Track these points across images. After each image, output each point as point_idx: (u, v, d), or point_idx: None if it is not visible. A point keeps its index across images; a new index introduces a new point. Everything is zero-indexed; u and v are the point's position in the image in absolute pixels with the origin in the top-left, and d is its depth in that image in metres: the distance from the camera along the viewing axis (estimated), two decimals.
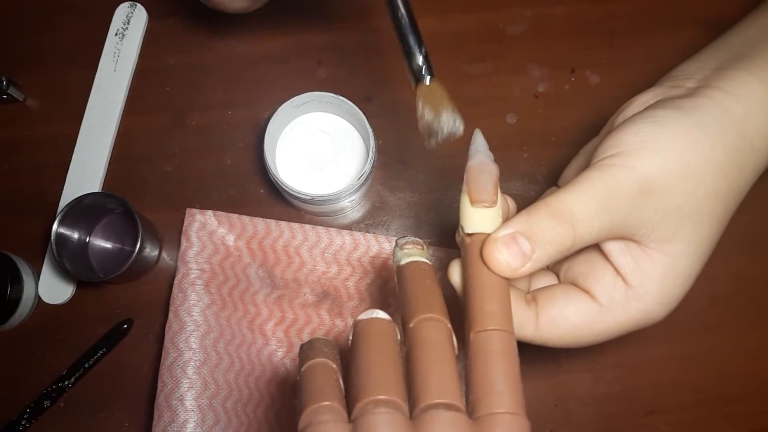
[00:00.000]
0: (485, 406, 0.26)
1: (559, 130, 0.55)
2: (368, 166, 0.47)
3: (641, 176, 0.31)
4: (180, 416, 0.46)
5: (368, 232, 0.52)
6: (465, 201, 0.31)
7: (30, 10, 0.57)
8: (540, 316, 0.33)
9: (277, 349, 0.51)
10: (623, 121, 0.34)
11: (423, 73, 0.35)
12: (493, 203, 0.31)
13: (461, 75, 0.56)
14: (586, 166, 0.33)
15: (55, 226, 0.48)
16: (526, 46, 0.56)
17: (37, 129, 0.55)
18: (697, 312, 0.51)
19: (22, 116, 0.55)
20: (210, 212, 0.51)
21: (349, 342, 0.28)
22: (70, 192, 0.53)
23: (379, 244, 0.51)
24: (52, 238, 0.47)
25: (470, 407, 0.26)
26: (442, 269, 0.34)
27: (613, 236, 0.32)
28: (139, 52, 0.56)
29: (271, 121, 0.47)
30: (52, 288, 0.52)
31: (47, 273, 0.52)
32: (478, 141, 0.33)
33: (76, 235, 0.51)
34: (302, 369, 0.28)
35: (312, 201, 0.47)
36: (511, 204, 0.34)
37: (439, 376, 0.26)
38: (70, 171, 0.54)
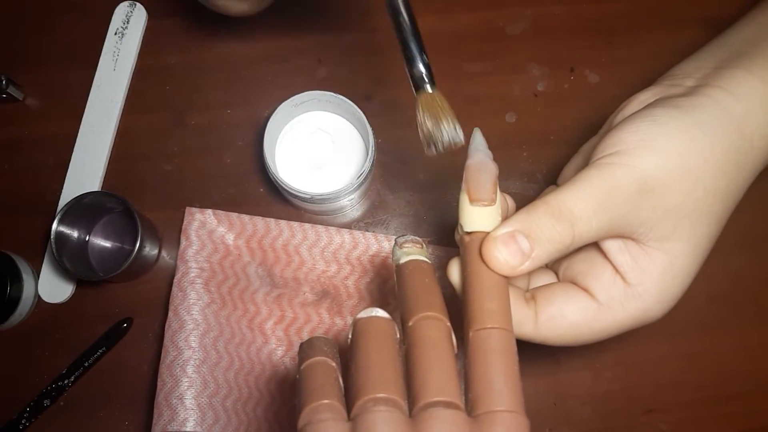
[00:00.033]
0: (484, 404, 0.26)
1: (558, 128, 0.55)
2: (368, 165, 0.47)
3: (640, 175, 0.31)
4: (180, 415, 0.46)
5: (368, 230, 0.53)
6: (464, 199, 0.31)
7: (30, 10, 0.57)
8: (539, 315, 0.33)
9: (277, 347, 0.51)
10: (622, 120, 0.34)
11: (424, 81, 0.34)
12: (493, 202, 0.31)
13: (461, 74, 0.56)
14: (586, 164, 0.33)
15: (54, 225, 0.48)
16: (526, 45, 0.57)
17: (37, 128, 0.55)
18: (696, 311, 0.51)
19: (21, 116, 0.56)
20: (209, 211, 0.51)
21: (349, 340, 0.28)
22: (70, 191, 0.53)
23: (378, 243, 0.51)
24: (52, 237, 0.47)
25: (469, 405, 0.26)
26: (441, 268, 0.34)
27: (612, 235, 0.32)
28: (138, 51, 0.56)
29: (270, 120, 0.47)
30: (52, 287, 0.52)
31: (47, 272, 0.52)
32: (478, 140, 0.33)
33: (75, 234, 0.51)
34: (302, 367, 0.28)
35: (311, 200, 0.47)
36: (511, 203, 0.34)
37: (438, 375, 0.26)
38: (69, 170, 0.54)
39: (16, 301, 0.50)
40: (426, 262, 0.31)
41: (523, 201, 0.32)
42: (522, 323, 0.32)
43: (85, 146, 0.54)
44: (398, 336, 0.28)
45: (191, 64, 0.56)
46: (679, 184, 0.31)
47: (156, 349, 0.51)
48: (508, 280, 0.30)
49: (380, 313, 0.29)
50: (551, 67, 0.56)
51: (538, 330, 0.33)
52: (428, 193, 0.54)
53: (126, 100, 0.55)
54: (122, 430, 0.50)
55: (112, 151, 0.55)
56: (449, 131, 0.33)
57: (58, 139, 0.54)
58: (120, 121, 0.55)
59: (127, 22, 0.56)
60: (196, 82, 0.56)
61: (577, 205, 0.30)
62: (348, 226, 0.53)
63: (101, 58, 0.56)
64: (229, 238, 0.51)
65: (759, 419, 0.51)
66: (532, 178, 0.54)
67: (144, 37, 0.57)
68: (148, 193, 0.54)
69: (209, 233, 0.51)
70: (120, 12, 0.56)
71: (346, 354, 0.28)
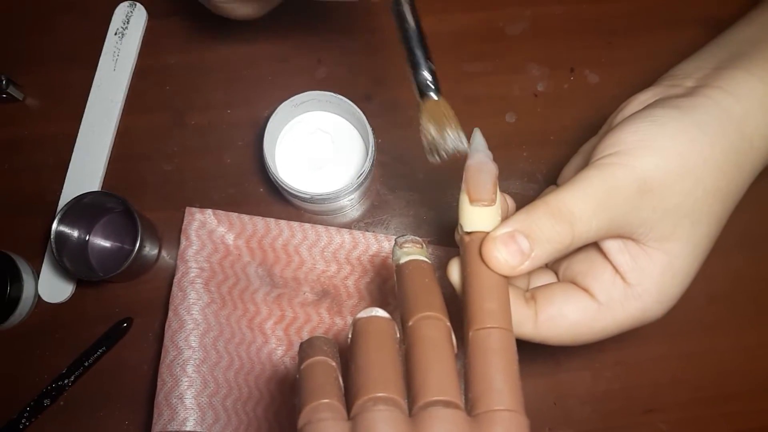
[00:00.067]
0: (484, 404, 0.26)
1: (558, 129, 0.55)
2: (368, 165, 0.47)
3: (640, 175, 0.31)
4: (180, 414, 0.46)
5: (367, 230, 0.53)
6: (464, 200, 0.31)
7: (30, 10, 0.57)
8: (539, 315, 0.33)
9: (277, 347, 0.51)
10: (622, 120, 0.34)
11: (429, 88, 0.34)
12: (492, 202, 0.31)
13: (461, 74, 0.56)
14: (585, 165, 0.33)
15: (54, 225, 0.48)
16: (526, 45, 0.57)
17: (37, 128, 0.55)
18: (696, 310, 0.51)
19: (21, 116, 0.56)
20: (209, 211, 0.51)
21: (349, 340, 0.28)
22: (70, 191, 0.53)
23: (378, 243, 0.51)
24: (52, 237, 0.47)
25: (469, 405, 0.26)
26: (441, 268, 0.34)
27: (611, 235, 0.32)
28: (138, 51, 0.56)
29: (270, 120, 0.47)
30: (52, 287, 0.52)
31: (47, 272, 0.52)
32: (478, 140, 0.33)
33: (75, 234, 0.51)
34: (302, 367, 0.28)
35: (311, 200, 0.47)
36: (510, 203, 0.34)
37: (438, 374, 0.26)
38: (69, 170, 0.54)
39: (16, 300, 0.50)
40: (426, 262, 0.31)
41: (522, 201, 0.32)
42: (522, 323, 0.32)
43: (85, 146, 0.54)
44: (398, 336, 0.28)
45: (191, 64, 0.56)
46: (679, 184, 0.31)
47: (156, 348, 0.51)
48: (507, 280, 0.30)
49: (380, 312, 0.29)
50: (551, 67, 0.56)
51: (537, 330, 0.33)
52: (428, 193, 0.54)
53: (126, 100, 0.55)
54: (122, 430, 0.50)
55: (112, 151, 0.55)
56: (453, 139, 0.33)
57: (58, 139, 0.54)
58: (120, 121, 0.55)
59: (127, 22, 0.56)
60: (196, 82, 0.56)
61: (577, 205, 0.30)
62: (348, 226, 0.53)
63: (101, 58, 0.56)
64: (229, 238, 0.51)
65: (759, 419, 0.51)
66: (532, 178, 0.54)
67: (144, 37, 0.57)
68: (148, 193, 0.54)
69: (209, 233, 0.51)
70: (120, 12, 0.56)
71: (346, 354, 0.28)
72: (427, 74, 0.34)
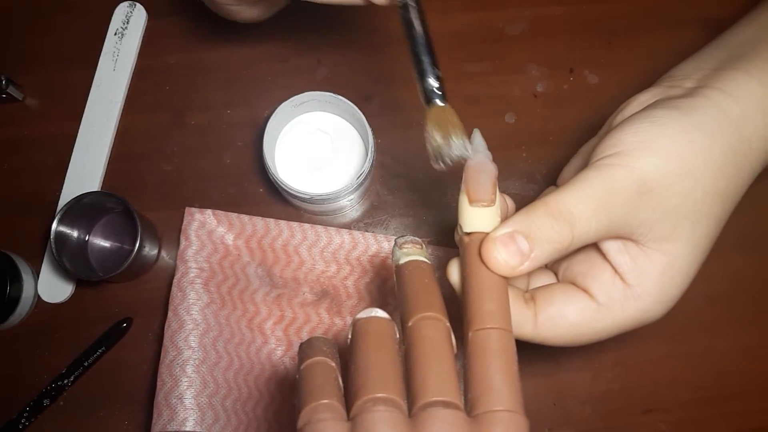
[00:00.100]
0: (483, 404, 0.26)
1: (557, 129, 0.55)
2: (367, 165, 0.47)
3: (639, 176, 0.31)
4: (179, 414, 0.46)
5: (367, 231, 0.53)
6: (464, 200, 0.31)
7: (30, 10, 0.57)
8: (539, 315, 0.33)
9: (276, 347, 0.51)
10: (621, 121, 0.34)
11: (436, 95, 0.34)
12: (492, 202, 0.31)
13: (461, 74, 0.56)
14: (585, 165, 0.33)
15: (54, 225, 0.48)
16: (525, 45, 0.57)
17: (37, 128, 0.55)
18: (696, 311, 0.51)
19: (21, 115, 0.56)
20: (209, 211, 0.51)
21: (348, 340, 0.28)
22: (70, 191, 0.53)
23: (378, 243, 0.51)
24: (52, 237, 0.47)
25: (468, 405, 0.26)
26: (441, 268, 0.34)
27: (611, 236, 0.32)
28: (138, 51, 0.56)
29: (270, 120, 0.47)
30: (52, 287, 0.52)
31: (47, 272, 0.52)
32: (477, 140, 0.33)
33: (75, 234, 0.51)
34: (301, 367, 0.28)
35: (311, 200, 0.47)
36: (510, 203, 0.34)
37: (437, 375, 0.26)
38: (69, 170, 0.54)
39: (15, 300, 0.50)
40: (426, 262, 0.31)
41: (522, 202, 0.32)
42: (521, 323, 0.32)
43: (85, 146, 0.54)
44: (398, 336, 0.29)
45: (191, 64, 0.56)
46: (678, 185, 0.31)
47: (155, 348, 0.51)
48: (507, 280, 0.30)
49: (380, 313, 0.29)
50: (550, 67, 0.56)
51: (537, 330, 0.33)
52: (428, 194, 0.54)
53: (126, 100, 0.55)
54: (122, 430, 0.50)
55: (111, 151, 0.55)
56: (459, 146, 0.33)
57: (58, 139, 0.54)
58: (120, 121, 0.55)
59: (127, 22, 0.56)
60: (196, 82, 0.56)
61: (577, 206, 0.30)
62: (348, 226, 0.53)
63: (101, 58, 0.56)
64: (229, 238, 0.51)
65: (759, 419, 0.51)
66: (532, 179, 0.54)
67: (144, 37, 0.57)
68: (147, 193, 0.54)
69: (209, 233, 0.51)
70: (120, 12, 0.56)
71: (346, 354, 0.28)
72: (434, 81, 0.34)
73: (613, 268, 0.33)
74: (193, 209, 0.51)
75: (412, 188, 0.54)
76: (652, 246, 0.32)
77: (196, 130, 0.55)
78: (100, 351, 0.51)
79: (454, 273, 0.32)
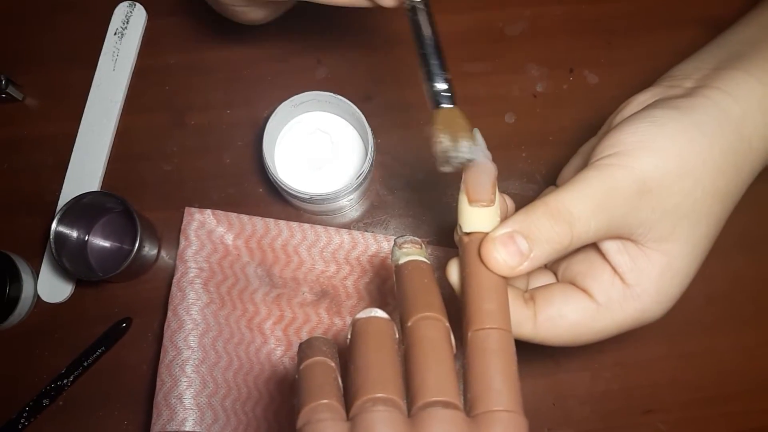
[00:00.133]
0: (483, 404, 0.26)
1: (557, 129, 0.55)
2: (367, 165, 0.47)
3: (639, 176, 0.31)
4: (179, 414, 0.46)
5: (367, 231, 0.53)
6: (463, 200, 0.31)
7: (30, 10, 0.57)
8: (538, 315, 0.33)
9: (276, 347, 0.51)
10: (621, 121, 0.34)
11: (444, 97, 0.34)
12: (491, 202, 0.31)
13: (460, 74, 0.55)
14: (584, 165, 0.33)
15: (54, 225, 0.48)
16: (525, 45, 0.57)
17: (37, 128, 0.55)
18: (695, 311, 0.51)
19: (21, 115, 0.56)
20: (209, 211, 0.51)
21: (348, 340, 0.28)
22: (69, 191, 0.53)
23: (377, 243, 0.51)
24: (51, 237, 0.47)
25: (468, 405, 0.26)
26: (440, 268, 0.34)
27: (610, 235, 0.32)
28: (138, 51, 0.56)
29: (270, 120, 0.47)
30: (51, 287, 0.52)
31: (46, 272, 0.52)
32: (477, 140, 0.33)
33: (75, 234, 0.51)
34: (301, 367, 0.28)
35: (311, 200, 0.47)
36: (510, 203, 0.34)
37: (436, 375, 0.26)
38: (69, 170, 0.54)
39: (15, 300, 0.50)
40: (425, 262, 0.31)
41: (522, 201, 0.32)
42: (521, 323, 0.32)
43: (85, 146, 0.54)
44: (397, 336, 0.29)
45: (191, 64, 0.56)
46: (678, 184, 0.31)
47: (155, 348, 0.51)
48: (506, 280, 0.30)
49: (379, 313, 0.29)
50: (550, 67, 0.56)
51: (537, 330, 0.33)
52: (428, 193, 0.54)
53: (125, 100, 0.55)
54: (121, 430, 0.50)
55: (111, 151, 0.55)
56: (466, 149, 0.32)
57: (58, 139, 0.54)
58: (119, 121, 0.55)
59: (127, 22, 0.56)
60: (196, 82, 0.56)
61: (576, 206, 0.30)
62: (347, 226, 0.53)
63: (101, 58, 0.56)
64: (229, 238, 0.51)
65: (758, 419, 0.51)
66: (531, 179, 0.54)
67: (144, 37, 0.57)
68: (147, 193, 0.54)
69: (208, 233, 0.51)
70: (120, 12, 0.56)
71: (346, 354, 0.28)
72: (442, 85, 0.34)
73: (613, 268, 0.33)
74: (193, 209, 0.51)
75: (411, 188, 0.54)
76: (651, 246, 0.32)
77: (196, 130, 0.55)
78: (99, 351, 0.51)
79: (453, 273, 0.32)
